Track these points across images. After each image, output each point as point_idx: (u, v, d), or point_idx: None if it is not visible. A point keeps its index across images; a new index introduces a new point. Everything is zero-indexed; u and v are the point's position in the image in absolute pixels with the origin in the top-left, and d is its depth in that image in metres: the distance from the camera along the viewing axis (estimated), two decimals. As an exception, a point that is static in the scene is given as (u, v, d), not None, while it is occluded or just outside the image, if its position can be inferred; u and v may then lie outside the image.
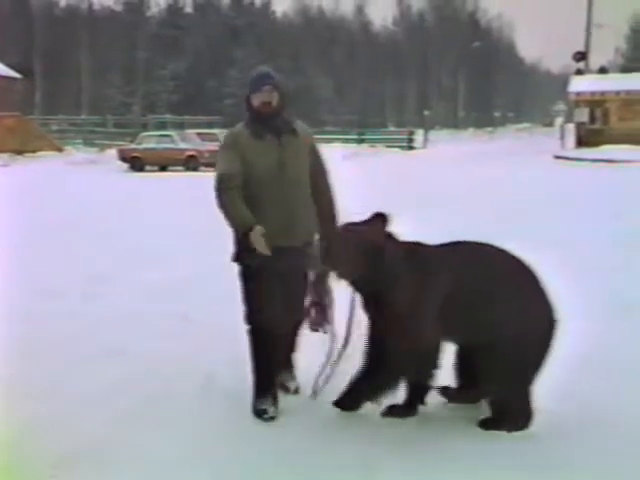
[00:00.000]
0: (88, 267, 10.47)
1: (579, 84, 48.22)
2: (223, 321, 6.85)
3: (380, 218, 4.96)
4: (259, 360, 5.26)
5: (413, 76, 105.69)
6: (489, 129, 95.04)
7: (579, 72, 51.75)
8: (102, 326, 7.45)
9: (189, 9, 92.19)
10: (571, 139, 47.25)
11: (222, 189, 5.04)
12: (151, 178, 29.59)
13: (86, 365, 6.30)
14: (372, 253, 4.77)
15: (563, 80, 65.70)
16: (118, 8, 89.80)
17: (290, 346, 5.63)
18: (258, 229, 4.85)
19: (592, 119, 47.06)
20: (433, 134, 59.33)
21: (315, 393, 5.39)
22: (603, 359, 6.16)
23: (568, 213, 15.81)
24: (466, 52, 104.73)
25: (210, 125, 53.08)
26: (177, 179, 28.37)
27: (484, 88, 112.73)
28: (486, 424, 4.90)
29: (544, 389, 4.98)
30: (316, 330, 5.38)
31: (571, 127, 49.28)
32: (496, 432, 4.80)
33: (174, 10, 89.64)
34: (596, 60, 64.54)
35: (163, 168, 33.70)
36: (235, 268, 5.33)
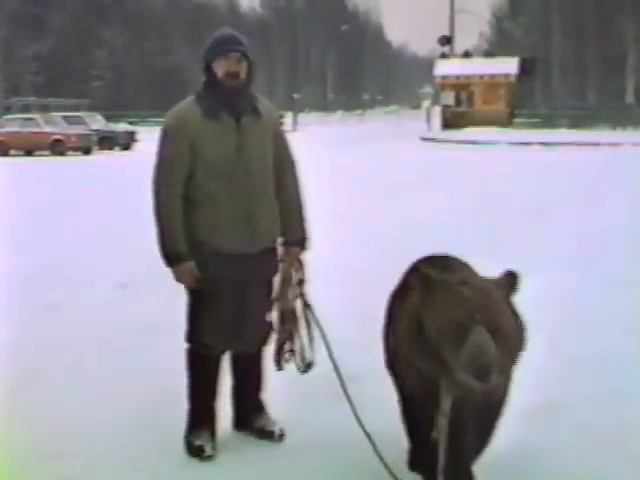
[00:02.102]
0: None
1: (445, 68, 49.37)
2: (94, 310, 6.77)
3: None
4: (197, 386, 4.38)
5: (282, 59, 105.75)
6: (358, 112, 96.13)
7: (444, 56, 52.99)
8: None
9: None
10: (437, 121, 48.37)
11: (162, 197, 4.19)
12: (16, 162, 28.75)
13: None
14: None
15: (429, 64, 67.03)
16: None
17: (256, 379, 4.59)
18: (188, 267, 4.16)
19: (457, 102, 48.29)
20: (302, 117, 59.66)
21: (309, 365, 4.43)
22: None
23: (432, 192, 16.31)
24: (334, 35, 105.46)
25: (77, 108, 51.76)
26: (43, 164, 27.66)
27: (353, 71, 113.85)
28: None
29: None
30: (281, 368, 4.44)
31: (437, 110, 50.45)
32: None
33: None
34: (461, 44, 66.25)
35: (29, 152, 32.81)
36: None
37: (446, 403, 3.42)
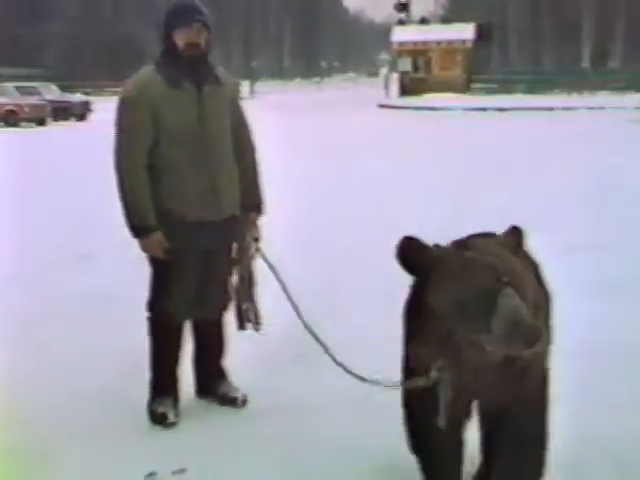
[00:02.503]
0: None
1: (401, 34, 49.33)
2: (53, 280, 6.71)
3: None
4: (159, 354, 4.39)
5: (237, 26, 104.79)
6: (316, 79, 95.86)
7: (401, 22, 52.90)
8: None
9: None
10: (395, 88, 48.39)
11: (125, 168, 4.16)
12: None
13: None
14: None
15: (386, 30, 66.89)
16: None
17: (217, 345, 4.61)
18: (157, 238, 4.15)
19: (415, 68, 48.36)
20: (260, 85, 59.36)
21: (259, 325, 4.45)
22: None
23: (389, 160, 16.36)
24: (291, 2, 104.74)
25: (30, 78, 50.95)
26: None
27: (310, 39, 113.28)
28: None
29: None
30: (244, 327, 4.47)
31: (395, 76, 50.43)
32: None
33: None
34: (417, 11, 66.04)
35: (-19, 124, 32.29)
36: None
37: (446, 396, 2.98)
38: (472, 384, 2.96)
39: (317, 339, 3.94)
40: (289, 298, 4.14)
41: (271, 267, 4.30)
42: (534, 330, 2.66)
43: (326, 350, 3.87)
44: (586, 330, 5.37)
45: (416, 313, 2.99)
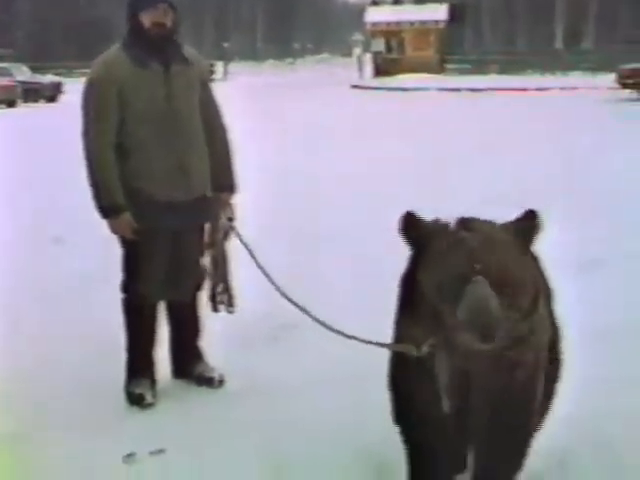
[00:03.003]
0: None
1: (375, 15, 49.28)
2: (27, 263, 6.61)
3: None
4: (135, 335, 4.38)
5: (210, 6, 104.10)
6: (289, 60, 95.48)
7: (374, 3, 52.81)
8: None
9: None
10: (369, 69, 48.32)
11: (93, 147, 4.15)
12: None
13: None
14: None
15: (360, 11, 66.68)
16: None
17: (192, 326, 4.59)
18: (125, 218, 4.14)
19: (388, 49, 48.33)
20: (233, 66, 59.04)
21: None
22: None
23: (365, 141, 16.35)
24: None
25: (0, 58, 50.44)
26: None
27: (283, 19, 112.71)
28: None
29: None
30: (217, 310, 4.44)
31: (368, 57, 50.36)
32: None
33: None
34: (390, -9, 65.70)
35: (-50, 105, 31.89)
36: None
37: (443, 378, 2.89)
38: (463, 369, 2.87)
39: (296, 305, 3.78)
40: (263, 271, 4.05)
41: (245, 245, 4.26)
42: (491, 325, 2.55)
43: (306, 312, 3.71)
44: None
45: (409, 287, 2.92)
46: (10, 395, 4.45)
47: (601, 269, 6.64)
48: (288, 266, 6.50)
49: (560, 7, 63.58)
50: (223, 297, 4.41)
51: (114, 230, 4.22)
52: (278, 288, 3.92)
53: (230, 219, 4.39)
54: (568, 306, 4.70)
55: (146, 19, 4.17)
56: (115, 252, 4.43)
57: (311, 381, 4.51)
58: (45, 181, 12.08)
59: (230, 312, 4.45)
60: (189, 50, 4.43)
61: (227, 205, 4.42)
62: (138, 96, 4.18)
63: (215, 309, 4.44)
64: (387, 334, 3.14)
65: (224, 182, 4.45)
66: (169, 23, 4.22)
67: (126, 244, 4.28)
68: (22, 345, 5.18)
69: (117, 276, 4.41)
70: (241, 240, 4.31)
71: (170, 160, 4.22)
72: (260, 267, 4.09)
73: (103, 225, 4.26)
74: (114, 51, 4.27)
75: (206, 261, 4.43)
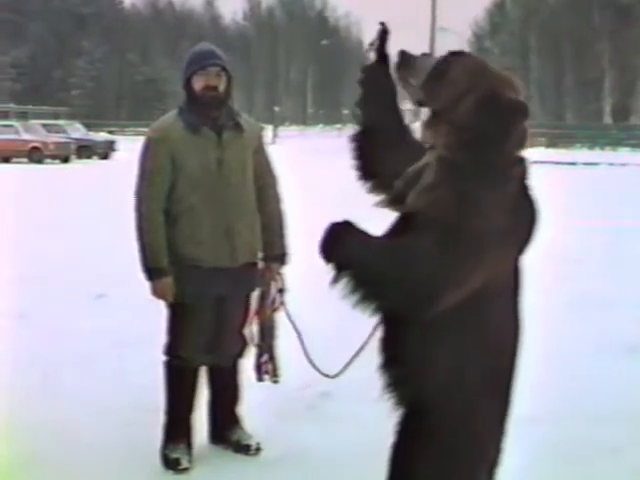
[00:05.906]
0: None
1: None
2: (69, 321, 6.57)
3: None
4: (174, 399, 4.37)
5: (262, 72, 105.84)
6: (338, 126, 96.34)
7: (424, 73, 53.23)
8: None
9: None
10: (417, 136, 48.54)
11: (144, 211, 4.22)
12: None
13: None
14: None
15: (409, 80, 67.08)
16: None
17: (232, 392, 4.56)
18: (166, 282, 4.19)
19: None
20: (282, 130, 59.75)
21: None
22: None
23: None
24: (315, 49, 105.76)
25: (56, 116, 51.67)
26: (20, 171, 27.47)
27: (332, 86, 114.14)
28: None
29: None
30: (262, 379, 4.43)
31: (418, 125, 50.61)
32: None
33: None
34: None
35: (6, 159, 32.59)
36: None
37: None
38: None
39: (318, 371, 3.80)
40: (303, 348, 4.01)
41: (291, 321, 4.23)
42: None
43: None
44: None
45: None
46: (43, 459, 4.40)
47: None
48: (334, 332, 6.49)
49: (608, 83, 63.72)
50: (267, 367, 4.39)
51: (155, 293, 4.26)
52: (317, 368, 3.86)
53: (281, 290, 4.38)
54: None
55: (198, 83, 4.21)
56: (156, 314, 4.45)
57: (347, 452, 4.46)
58: (96, 236, 12.19)
59: (274, 382, 4.43)
60: (244, 117, 4.42)
61: (278, 275, 4.41)
62: (190, 161, 4.21)
63: (260, 379, 4.43)
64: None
65: (275, 252, 4.45)
66: (221, 86, 4.24)
67: (172, 307, 4.31)
68: (57, 408, 5.12)
69: (156, 338, 4.42)
70: (288, 316, 4.27)
71: (218, 227, 4.23)
72: (301, 340, 4.03)
73: (147, 285, 4.29)
74: (171, 116, 4.35)
75: (253, 329, 4.41)
